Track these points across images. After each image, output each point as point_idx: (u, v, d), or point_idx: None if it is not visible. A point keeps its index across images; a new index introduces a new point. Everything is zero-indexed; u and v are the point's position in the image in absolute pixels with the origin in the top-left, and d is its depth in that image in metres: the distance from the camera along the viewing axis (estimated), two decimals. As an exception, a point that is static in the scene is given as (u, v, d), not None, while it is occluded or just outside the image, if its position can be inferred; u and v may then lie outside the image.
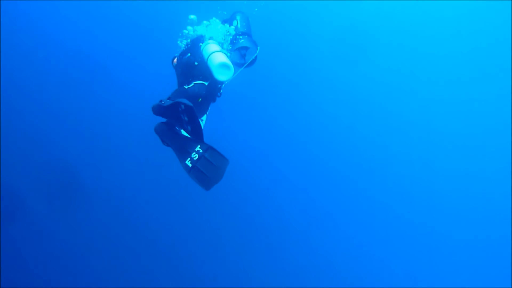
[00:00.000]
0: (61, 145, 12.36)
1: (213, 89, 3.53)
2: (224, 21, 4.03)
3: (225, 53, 3.40)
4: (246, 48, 3.85)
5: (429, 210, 13.93)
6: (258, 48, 3.88)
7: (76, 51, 14.39)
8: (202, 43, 3.72)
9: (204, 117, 3.62)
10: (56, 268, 8.72)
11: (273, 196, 13.85)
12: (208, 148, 2.80)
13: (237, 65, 3.83)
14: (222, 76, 3.27)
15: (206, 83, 3.41)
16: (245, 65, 3.83)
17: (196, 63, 3.56)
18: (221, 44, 3.82)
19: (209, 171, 2.75)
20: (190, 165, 2.75)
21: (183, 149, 2.83)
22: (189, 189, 12.77)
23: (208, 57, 3.38)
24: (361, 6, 13.10)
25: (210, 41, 3.68)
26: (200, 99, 3.35)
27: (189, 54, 3.73)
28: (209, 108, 3.68)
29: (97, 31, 14.65)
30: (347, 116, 14.61)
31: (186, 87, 3.24)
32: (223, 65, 3.23)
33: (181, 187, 12.78)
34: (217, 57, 3.29)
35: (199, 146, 2.83)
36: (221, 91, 3.64)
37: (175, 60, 3.89)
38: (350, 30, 13.51)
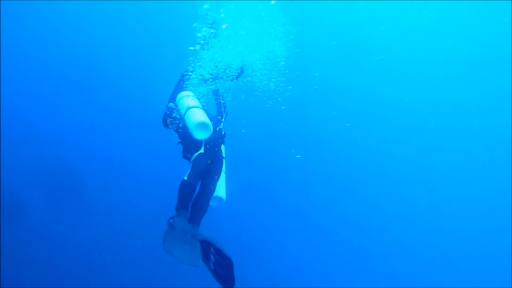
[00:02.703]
0: (61, 145, 12.36)
1: (214, 143, 3.26)
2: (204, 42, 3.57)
3: (200, 107, 3.08)
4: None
5: (429, 211, 13.93)
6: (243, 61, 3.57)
7: (77, 52, 14.39)
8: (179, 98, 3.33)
9: (223, 163, 3.38)
10: (56, 268, 8.71)
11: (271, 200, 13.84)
12: (217, 250, 2.61)
13: (231, 80, 3.54)
14: (201, 135, 2.96)
15: (202, 149, 3.11)
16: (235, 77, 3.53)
17: (181, 125, 3.25)
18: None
19: (224, 271, 2.58)
20: (213, 267, 2.64)
21: (205, 254, 2.70)
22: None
23: (184, 115, 3.07)
24: (361, 6, 13.10)
25: (183, 93, 3.33)
26: (209, 161, 3.14)
27: (173, 115, 3.40)
28: (224, 150, 3.44)
29: (95, 31, 14.65)
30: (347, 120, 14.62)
31: (186, 177, 2.97)
32: (199, 125, 2.92)
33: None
34: (192, 116, 2.96)
35: (211, 247, 2.67)
36: (223, 133, 3.40)
37: (168, 121, 3.50)
38: (348, 31, 13.52)
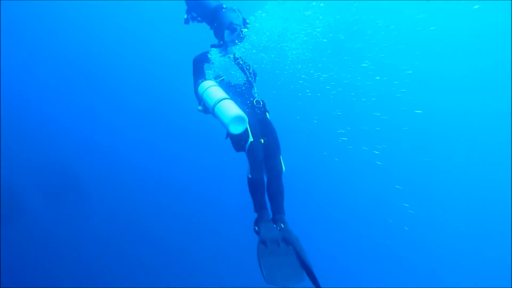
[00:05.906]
0: (61, 145, 12.37)
1: (259, 121, 3.03)
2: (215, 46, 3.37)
3: (227, 98, 2.89)
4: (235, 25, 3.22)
5: (429, 211, 13.94)
6: (239, 14, 3.29)
7: (76, 51, 14.40)
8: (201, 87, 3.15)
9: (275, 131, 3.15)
10: (56, 268, 8.71)
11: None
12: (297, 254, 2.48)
13: (239, 39, 3.25)
14: (239, 129, 2.78)
15: (251, 137, 2.87)
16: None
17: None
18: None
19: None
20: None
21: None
22: (189, 189, 12.77)
23: (213, 110, 2.90)
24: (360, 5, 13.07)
25: (204, 85, 3.11)
26: (262, 140, 2.94)
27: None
28: (269, 118, 3.17)
29: (99, 30, 14.65)
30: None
31: (249, 175, 2.78)
32: (236, 120, 2.74)
33: (181, 186, 12.78)
34: (222, 113, 2.79)
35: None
36: (261, 104, 3.13)
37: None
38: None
